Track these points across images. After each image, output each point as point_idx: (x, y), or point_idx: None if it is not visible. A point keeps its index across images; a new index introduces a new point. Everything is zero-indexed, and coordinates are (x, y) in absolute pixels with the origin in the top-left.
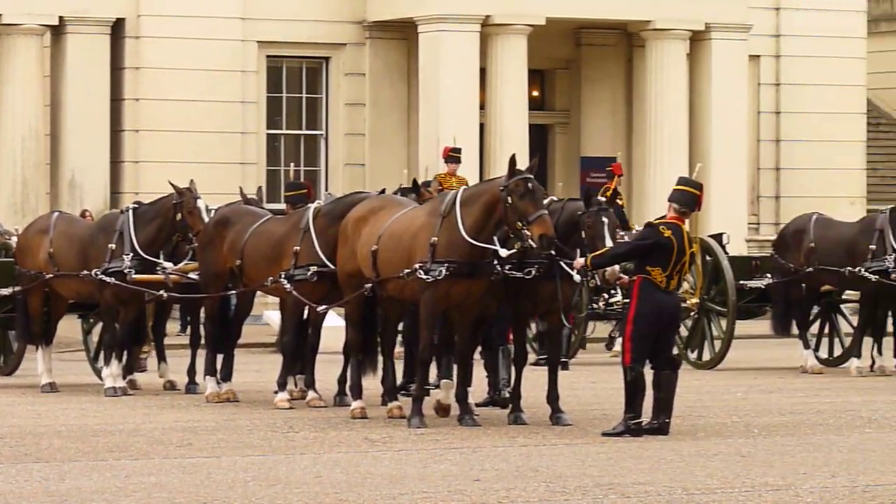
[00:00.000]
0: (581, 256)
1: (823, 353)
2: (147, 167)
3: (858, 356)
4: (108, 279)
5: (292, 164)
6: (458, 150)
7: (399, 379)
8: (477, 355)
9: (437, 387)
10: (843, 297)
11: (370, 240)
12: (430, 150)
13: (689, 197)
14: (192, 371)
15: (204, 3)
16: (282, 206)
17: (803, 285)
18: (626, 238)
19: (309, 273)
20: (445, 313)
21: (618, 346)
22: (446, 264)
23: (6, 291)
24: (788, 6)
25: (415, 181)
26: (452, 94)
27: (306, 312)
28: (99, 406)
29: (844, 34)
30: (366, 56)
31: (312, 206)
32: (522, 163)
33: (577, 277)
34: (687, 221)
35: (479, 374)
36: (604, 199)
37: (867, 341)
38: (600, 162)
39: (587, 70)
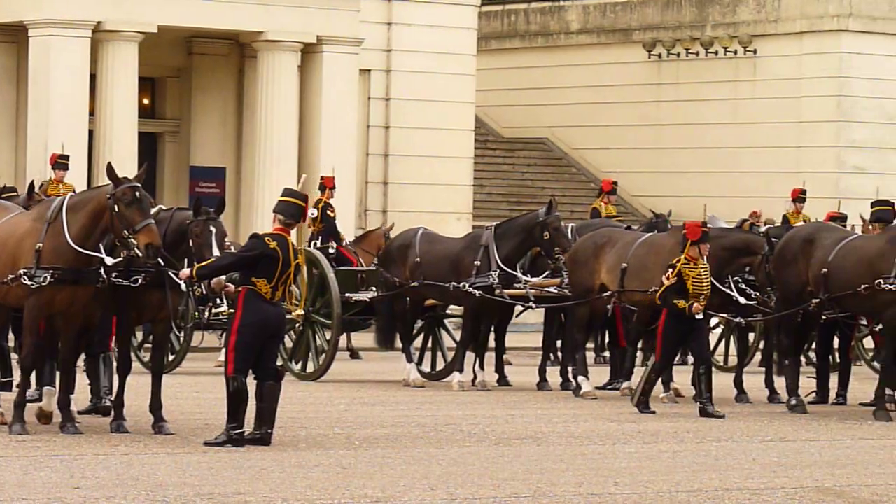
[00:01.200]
0: (189, 266)
1: (426, 367)
2: None
3: (461, 370)
4: None
5: None
6: (65, 157)
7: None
8: (80, 362)
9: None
10: (447, 311)
11: None
12: (38, 155)
13: (294, 208)
14: None
15: None
16: None
17: (408, 299)
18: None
19: None
20: (50, 319)
21: (222, 356)
22: (51, 270)
23: None
24: (400, 21)
25: (31, 184)
26: (62, 99)
27: None
28: None
29: (454, 51)
30: None
31: None
32: (131, 171)
33: (183, 287)
34: (293, 233)
35: (82, 381)
36: (315, 210)
37: (469, 356)
38: (210, 172)
39: (198, 79)
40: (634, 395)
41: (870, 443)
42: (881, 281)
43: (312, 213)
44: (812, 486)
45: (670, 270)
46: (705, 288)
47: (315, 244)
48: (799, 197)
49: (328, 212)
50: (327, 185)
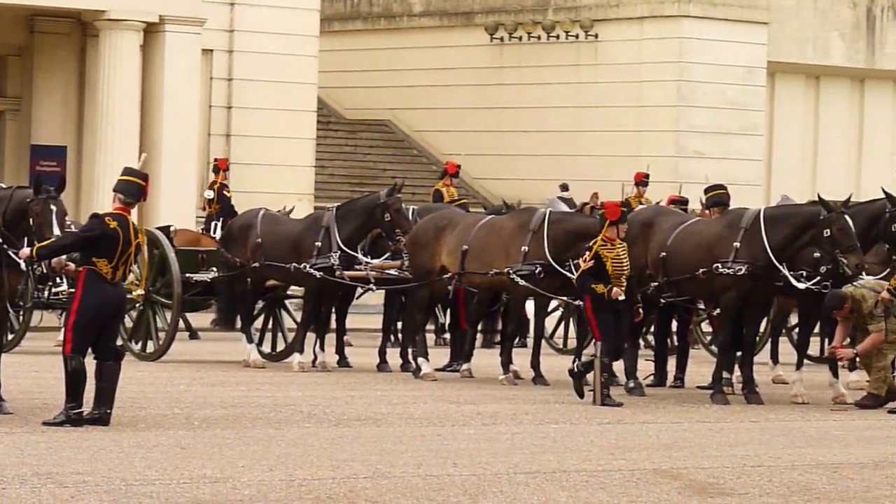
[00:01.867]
0: (29, 245)
1: (267, 348)
2: None
3: (301, 351)
4: None
5: None
6: None
7: None
8: None
9: None
10: (288, 292)
11: None
12: None
13: (134, 187)
14: None
15: None
16: None
17: (248, 280)
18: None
19: None
20: None
21: (61, 336)
22: None
23: None
24: (242, 2)
25: None
26: None
27: None
28: None
29: (297, 32)
30: None
31: None
32: None
33: (23, 266)
34: (134, 212)
35: None
36: (211, 192)
37: (310, 337)
38: (50, 150)
39: (40, 58)
40: (595, 395)
41: (707, 426)
42: (719, 265)
43: (209, 195)
44: (649, 468)
45: (587, 253)
46: (625, 268)
47: (216, 225)
48: (642, 181)
49: (224, 192)
50: (221, 166)
